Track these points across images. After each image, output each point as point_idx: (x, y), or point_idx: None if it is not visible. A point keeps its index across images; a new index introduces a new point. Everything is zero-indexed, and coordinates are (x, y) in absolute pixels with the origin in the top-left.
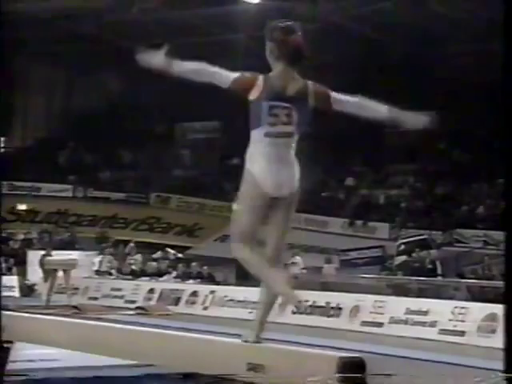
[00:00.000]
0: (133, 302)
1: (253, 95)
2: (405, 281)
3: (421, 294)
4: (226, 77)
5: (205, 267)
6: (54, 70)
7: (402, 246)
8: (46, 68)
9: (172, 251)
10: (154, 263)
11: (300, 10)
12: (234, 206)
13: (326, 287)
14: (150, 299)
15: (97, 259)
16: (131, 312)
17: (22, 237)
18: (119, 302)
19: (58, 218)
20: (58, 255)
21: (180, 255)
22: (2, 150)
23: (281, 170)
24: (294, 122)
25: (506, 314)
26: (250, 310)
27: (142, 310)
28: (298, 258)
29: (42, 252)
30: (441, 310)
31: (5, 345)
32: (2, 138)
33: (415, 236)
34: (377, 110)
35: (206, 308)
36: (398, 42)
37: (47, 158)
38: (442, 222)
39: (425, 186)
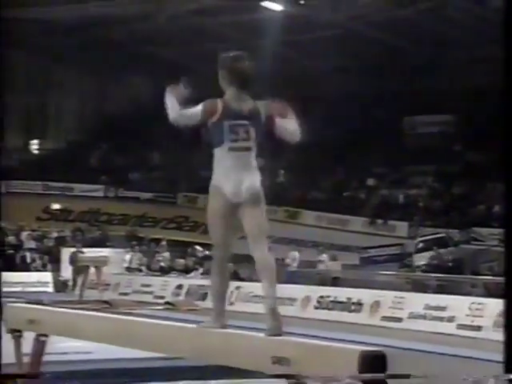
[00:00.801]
0: (162, 297)
1: (214, 118)
2: (423, 277)
3: (439, 290)
4: (195, 113)
5: (230, 264)
6: (87, 74)
7: (421, 244)
8: (78, 72)
9: (200, 248)
10: (182, 260)
11: (320, 17)
12: (208, 222)
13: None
14: (178, 295)
15: (127, 256)
16: (160, 307)
17: (55, 235)
18: (149, 298)
19: (90, 217)
20: (90, 252)
21: (207, 252)
22: (37, 151)
23: (244, 178)
24: (252, 138)
25: (506, 311)
26: None
27: (171, 305)
28: (324, 256)
29: (73, 249)
30: (458, 305)
31: (41, 338)
32: (37, 141)
33: (433, 234)
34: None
35: (231, 303)
36: (417, 47)
37: (79, 160)
38: (459, 220)
39: (442, 186)
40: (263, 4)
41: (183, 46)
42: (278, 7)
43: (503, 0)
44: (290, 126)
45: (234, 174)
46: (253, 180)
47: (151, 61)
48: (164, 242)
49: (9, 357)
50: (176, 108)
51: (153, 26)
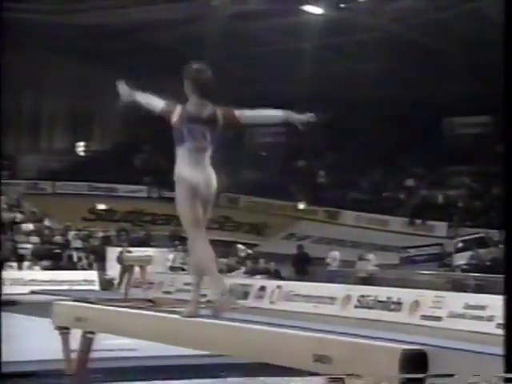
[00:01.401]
0: (204, 295)
1: (174, 119)
2: (462, 277)
3: (478, 289)
4: (158, 105)
5: (271, 263)
6: (131, 77)
7: (460, 244)
8: (122, 76)
9: (242, 247)
10: (224, 259)
11: (360, 20)
12: (178, 209)
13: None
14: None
15: (170, 256)
16: (202, 305)
17: (101, 234)
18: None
19: (134, 217)
20: (135, 252)
21: (250, 251)
22: (83, 153)
23: (205, 172)
24: (208, 140)
25: (506, 308)
26: (314, 304)
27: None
28: (371, 256)
29: (120, 249)
30: (498, 304)
31: (88, 335)
32: (82, 143)
33: (473, 234)
34: (275, 115)
35: (272, 302)
36: (456, 48)
37: (124, 161)
38: (498, 220)
39: (482, 187)
40: (304, 8)
41: (225, 49)
42: (318, 11)
43: (503, 0)
44: (264, 112)
45: (194, 170)
46: (211, 179)
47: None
48: None
49: (57, 353)
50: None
51: (196, 30)
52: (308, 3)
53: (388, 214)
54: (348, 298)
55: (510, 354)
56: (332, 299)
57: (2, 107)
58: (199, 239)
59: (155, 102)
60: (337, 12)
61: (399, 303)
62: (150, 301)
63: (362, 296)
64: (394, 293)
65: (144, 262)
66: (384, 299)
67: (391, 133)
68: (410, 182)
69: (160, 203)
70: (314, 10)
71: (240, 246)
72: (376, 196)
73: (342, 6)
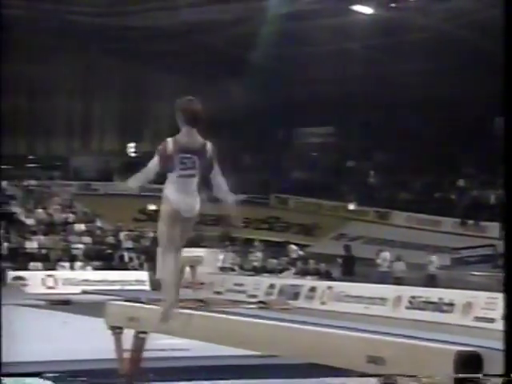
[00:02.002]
0: (254, 296)
1: (168, 152)
2: None
3: None
4: (154, 168)
5: (322, 264)
6: (181, 79)
7: None
8: (172, 78)
9: (294, 247)
10: (275, 260)
11: (410, 20)
12: (158, 224)
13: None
14: (270, 294)
15: (221, 256)
16: (253, 306)
17: (151, 235)
18: (242, 297)
19: None
20: (185, 252)
21: (301, 252)
22: (134, 153)
23: (189, 198)
24: (197, 167)
25: (506, 305)
26: (365, 305)
27: (263, 304)
28: (433, 258)
29: None
30: None
31: (140, 335)
32: (133, 144)
33: None
34: (225, 196)
35: (323, 303)
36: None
37: None
38: None
39: None
40: (354, 8)
41: (276, 49)
42: (368, 10)
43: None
44: (223, 187)
45: (180, 196)
46: (195, 203)
47: (242, 64)
48: (257, 242)
49: (109, 353)
50: (138, 176)
51: (247, 31)
52: (358, 3)
53: (439, 214)
54: (399, 299)
55: (510, 353)
56: (383, 300)
57: (43, 109)
58: (169, 254)
59: (151, 170)
60: (387, 12)
61: (451, 304)
62: (201, 301)
63: (413, 297)
64: (446, 294)
65: (194, 263)
66: (436, 300)
67: (442, 133)
68: (461, 183)
69: (210, 204)
70: (365, 9)
71: (292, 246)
72: (427, 196)
73: (392, 5)
